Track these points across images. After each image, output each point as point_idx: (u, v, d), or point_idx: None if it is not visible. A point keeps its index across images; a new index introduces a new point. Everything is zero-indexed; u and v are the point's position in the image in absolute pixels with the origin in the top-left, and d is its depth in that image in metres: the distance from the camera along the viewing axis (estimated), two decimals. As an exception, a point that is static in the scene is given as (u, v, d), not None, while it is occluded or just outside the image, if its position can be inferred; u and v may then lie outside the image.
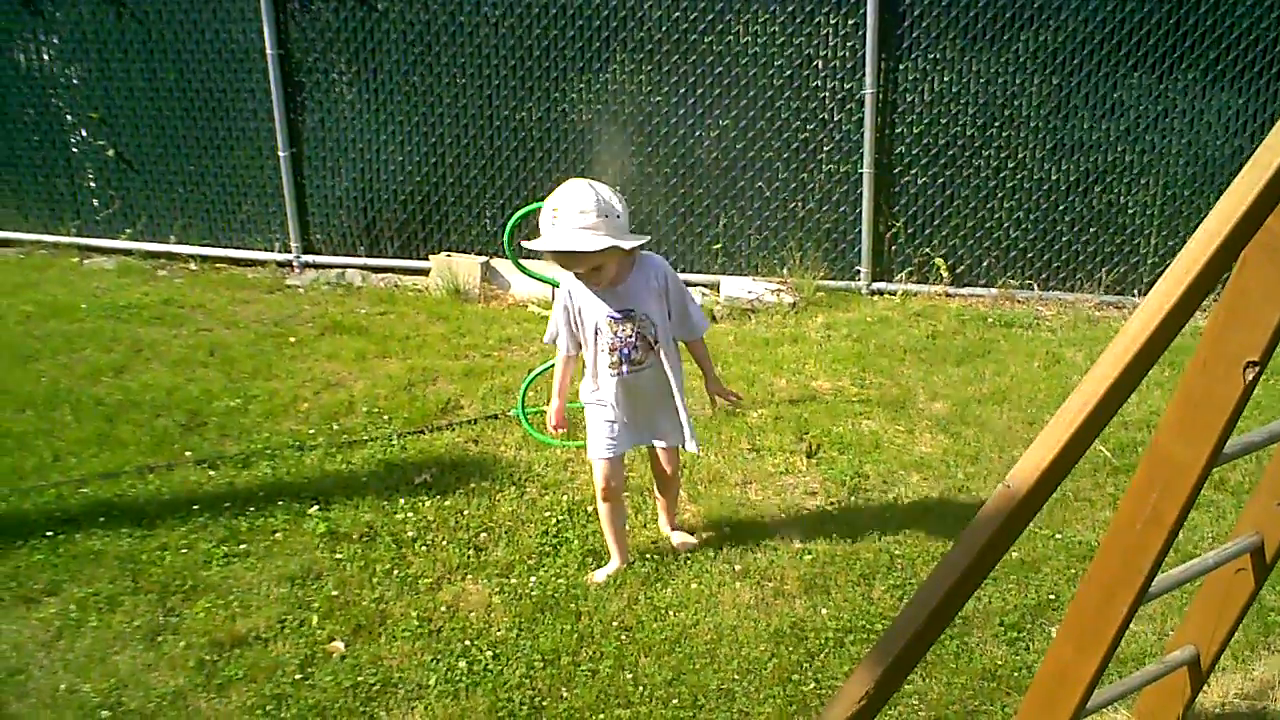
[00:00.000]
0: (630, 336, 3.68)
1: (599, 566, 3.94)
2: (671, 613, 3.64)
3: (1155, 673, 2.79)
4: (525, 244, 3.56)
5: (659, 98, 7.38)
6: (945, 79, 7.09)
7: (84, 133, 8.41)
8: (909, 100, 7.17)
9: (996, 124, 7.14)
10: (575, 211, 3.37)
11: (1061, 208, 7.21)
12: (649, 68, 7.33)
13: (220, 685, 3.32)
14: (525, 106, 7.58)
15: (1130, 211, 7.17)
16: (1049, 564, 4.00)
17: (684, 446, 3.89)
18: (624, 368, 3.71)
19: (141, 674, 3.36)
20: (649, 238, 3.51)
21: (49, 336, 6.37)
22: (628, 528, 4.08)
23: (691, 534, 4.17)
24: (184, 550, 4.04)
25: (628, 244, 3.47)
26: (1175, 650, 2.83)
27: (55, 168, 8.60)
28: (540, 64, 7.46)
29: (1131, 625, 2.55)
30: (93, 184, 8.56)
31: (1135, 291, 7.22)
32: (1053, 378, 5.77)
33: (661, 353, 3.72)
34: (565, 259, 3.52)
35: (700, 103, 7.34)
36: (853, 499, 4.51)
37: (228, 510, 4.32)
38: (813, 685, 3.34)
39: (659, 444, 3.94)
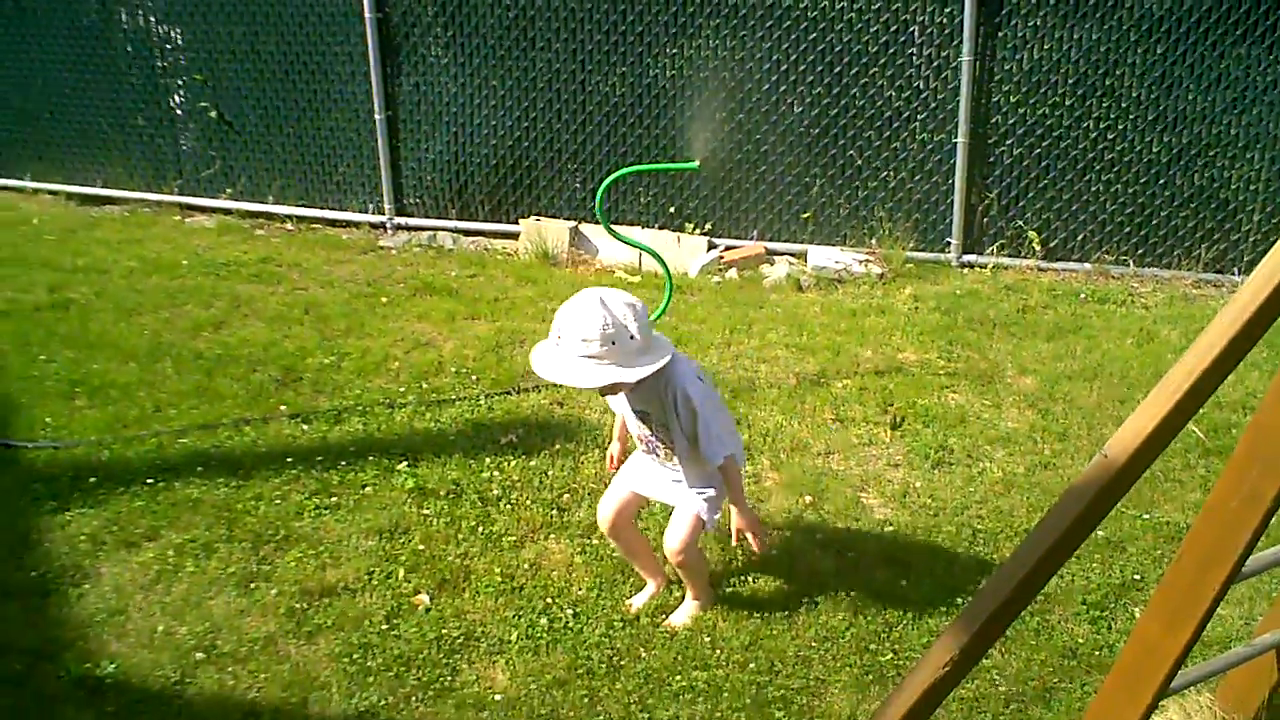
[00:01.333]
0: (650, 436, 3.43)
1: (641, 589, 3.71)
2: (750, 578, 3.66)
3: (1243, 655, 2.75)
4: (533, 359, 3.20)
5: (751, 64, 7.33)
6: (1045, 47, 6.93)
7: (181, 95, 8.60)
8: (1006, 69, 7.03)
9: (1096, 94, 6.96)
10: (578, 339, 3.03)
11: (1161, 181, 7.02)
12: (742, 33, 7.28)
13: (309, 633, 3.42)
14: (616, 73, 7.59)
15: (1233, 187, 6.96)
16: (1135, 544, 3.94)
17: (697, 513, 3.43)
18: (649, 454, 3.51)
19: (234, 619, 3.48)
20: (666, 359, 3.13)
21: (151, 291, 6.57)
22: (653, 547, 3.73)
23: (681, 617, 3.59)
24: (277, 501, 4.16)
25: (634, 376, 3.09)
26: (1264, 634, 2.79)
27: (159, 128, 8.82)
28: (633, 30, 7.45)
29: (1218, 609, 2.52)
30: (195, 144, 8.77)
31: (1235, 270, 7.02)
32: (1146, 356, 5.65)
33: (680, 463, 3.41)
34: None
35: (792, 69, 7.27)
36: (936, 472, 4.48)
37: (320, 464, 4.43)
38: (890, 655, 3.34)
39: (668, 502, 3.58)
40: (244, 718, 3.04)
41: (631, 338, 3.06)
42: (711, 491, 3.42)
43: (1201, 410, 4.80)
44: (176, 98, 8.68)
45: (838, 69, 7.21)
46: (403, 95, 8.06)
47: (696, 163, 6.59)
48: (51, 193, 9.21)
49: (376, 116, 8.07)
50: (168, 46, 8.58)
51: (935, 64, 7.08)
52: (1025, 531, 3.89)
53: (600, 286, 3.18)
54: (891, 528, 4.04)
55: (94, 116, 8.98)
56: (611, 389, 3.23)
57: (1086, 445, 4.64)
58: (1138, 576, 3.74)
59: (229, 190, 8.72)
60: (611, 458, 3.76)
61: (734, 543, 3.52)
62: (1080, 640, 3.42)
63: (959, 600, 3.56)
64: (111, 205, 9.00)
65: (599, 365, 3.05)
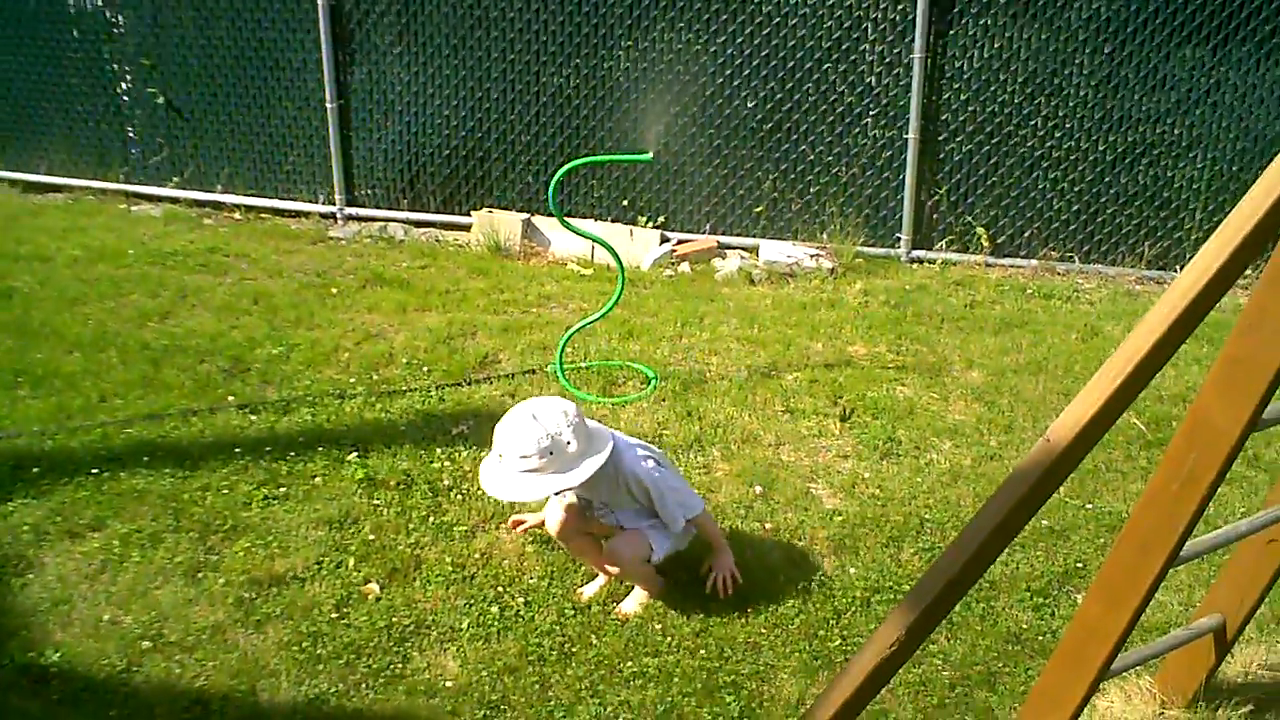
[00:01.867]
0: (592, 513, 3.57)
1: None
2: (700, 567, 3.67)
3: (1181, 638, 2.82)
4: (481, 478, 3.32)
5: (705, 58, 7.36)
6: (995, 46, 7.02)
7: (128, 81, 8.47)
8: (957, 66, 7.10)
9: (1045, 94, 7.06)
10: (516, 456, 3.16)
11: (1106, 180, 7.14)
12: (696, 27, 7.30)
13: (258, 621, 3.40)
14: (570, 65, 7.58)
15: (1176, 186, 7.08)
16: (1078, 533, 4.01)
17: (645, 537, 3.50)
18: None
19: (182, 608, 3.45)
20: (605, 454, 3.25)
21: (96, 281, 6.47)
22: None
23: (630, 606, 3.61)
24: (225, 491, 4.13)
25: (577, 479, 3.20)
26: (1202, 618, 2.86)
27: (104, 114, 8.68)
28: (587, 22, 7.45)
29: (1158, 595, 2.58)
30: (142, 131, 8.64)
31: (1177, 267, 7.14)
32: (1090, 350, 5.75)
33: (626, 528, 3.52)
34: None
35: (746, 64, 7.30)
36: (885, 463, 4.53)
37: (268, 454, 4.40)
38: (838, 641, 3.38)
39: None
40: (191, 705, 3.02)
41: (568, 443, 3.19)
42: (655, 524, 3.50)
43: (1143, 404, 4.90)
44: (124, 84, 8.55)
45: (790, 64, 7.25)
46: (354, 84, 8.00)
47: (650, 154, 6.63)
48: (-7, 180, 9.05)
49: (328, 105, 8.00)
50: (115, 30, 8.44)
51: (887, 60, 7.15)
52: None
53: (532, 399, 3.35)
54: (840, 517, 4.08)
55: (38, 102, 8.83)
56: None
57: (1031, 437, 4.71)
58: (1080, 564, 3.81)
59: (176, 179, 8.61)
60: (516, 523, 3.78)
61: (707, 585, 3.55)
62: (1024, 626, 3.48)
63: (906, 588, 3.59)
64: (55, 193, 8.85)
65: (541, 477, 3.18)
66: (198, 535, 3.83)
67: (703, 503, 3.60)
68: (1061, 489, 3.03)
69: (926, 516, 4.10)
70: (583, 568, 3.70)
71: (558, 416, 3.21)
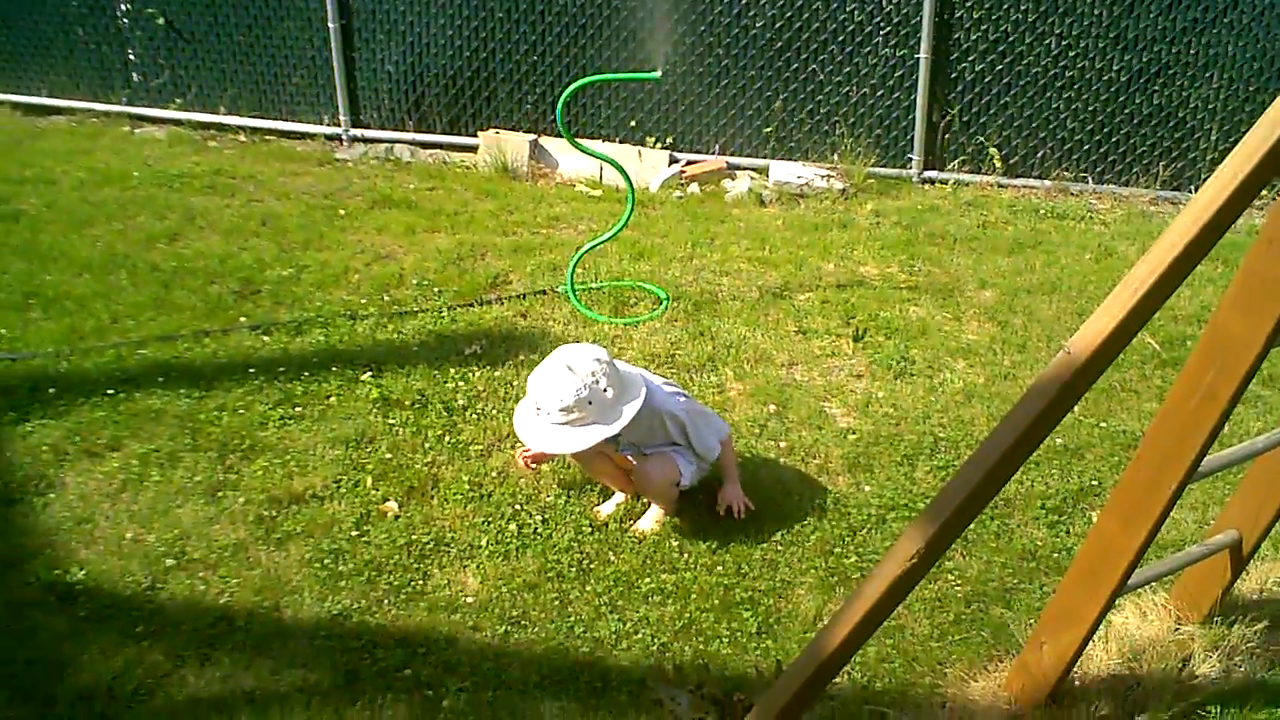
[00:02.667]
0: (619, 449, 3.58)
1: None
2: (716, 485, 3.69)
3: (1196, 554, 2.84)
4: (519, 430, 3.38)
5: (713, -25, 7.24)
6: (1009, -38, 6.90)
7: (126, 4, 8.33)
8: (970, -16, 6.99)
9: (1058, 12, 6.94)
10: (555, 409, 3.21)
11: (1121, 100, 7.05)
12: (704, -56, 7.17)
13: (279, 539, 3.43)
14: (577, -18, 7.46)
15: (1191, 106, 7.00)
16: (1092, 451, 4.03)
17: (673, 460, 3.54)
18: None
19: (203, 526, 3.49)
20: (640, 398, 3.29)
21: (103, 203, 6.43)
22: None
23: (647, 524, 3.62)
24: (241, 411, 4.14)
25: (617, 427, 3.26)
26: (1217, 534, 2.87)
27: (104, 36, 8.54)
28: (593, -62, 7.32)
29: (1173, 512, 2.59)
30: (143, 53, 8.52)
31: (1192, 187, 7.08)
32: (1104, 270, 5.72)
33: (651, 453, 3.56)
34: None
35: (755, -19, 7.19)
36: (898, 382, 4.54)
37: (283, 374, 4.40)
38: (854, 558, 3.41)
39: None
40: (217, 621, 3.06)
41: (605, 390, 3.25)
42: (682, 449, 3.54)
43: (1158, 323, 4.89)
44: (123, 5, 8.41)
45: (801, -19, 7.13)
46: (357, 4, 7.87)
47: (658, 72, 6.53)
48: (-6, 102, 8.95)
49: (330, 25, 7.88)
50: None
51: (899, -23, 7.03)
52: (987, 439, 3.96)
53: (565, 346, 3.35)
54: (855, 436, 4.10)
55: (38, 24, 8.67)
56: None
57: (1045, 356, 4.71)
58: (1095, 482, 3.83)
59: (179, 100, 8.50)
60: (534, 458, 3.66)
61: (720, 511, 3.58)
62: (1039, 543, 3.50)
63: (921, 506, 3.63)
64: (58, 115, 8.76)
65: (583, 427, 3.24)
66: (216, 455, 3.85)
67: (728, 426, 3.65)
68: (1076, 408, 3.03)
69: (940, 435, 4.11)
70: (598, 486, 3.73)
71: (592, 365, 3.25)
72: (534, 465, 3.67)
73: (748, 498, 3.59)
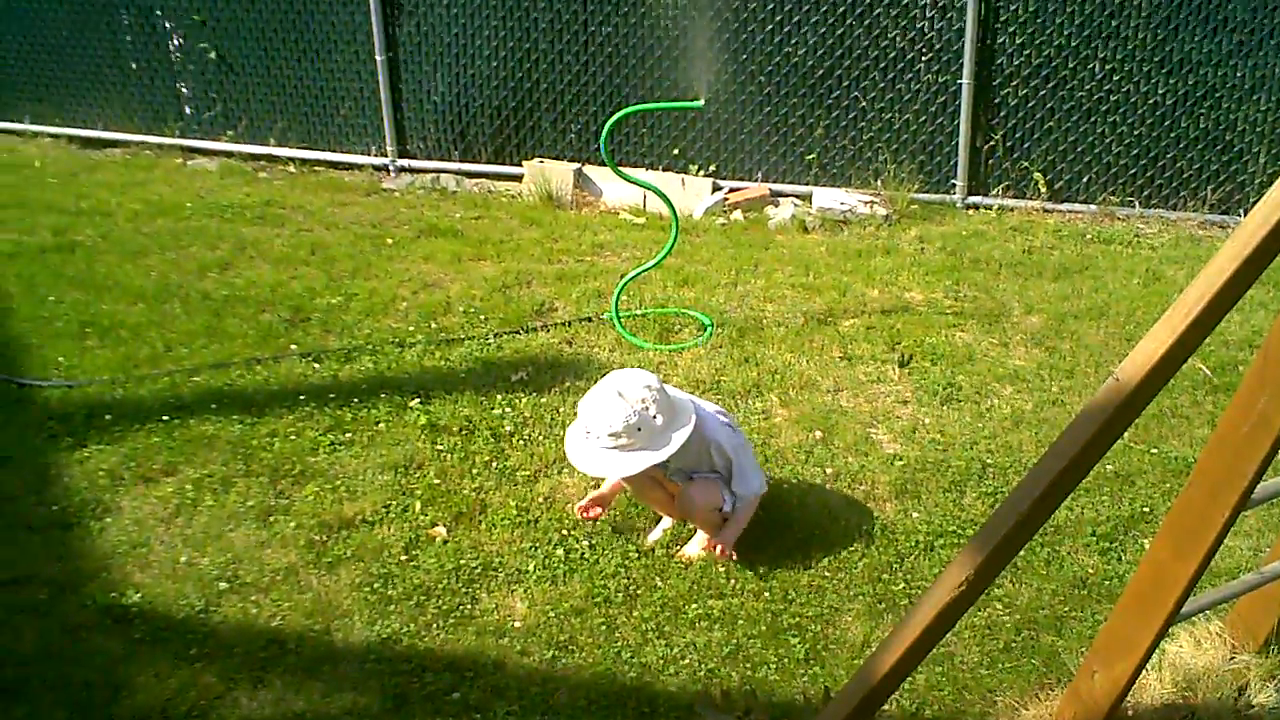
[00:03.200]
0: (666, 474, 3.59)
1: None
2: (763, 512, 3.69)
3: (1252, 582, 2.80)
4: (570, 453, 3.44)
5: (754, 4, 7.27)
6: (1052, -12, 6.89)
7: (179, 39, 8.52)
8: (1012, 10, 6.96)
9: (1101, 37, 6.91)
10: (605, 434, 3.26)
11: (1167, 124, 7.00)
12: (747, -27, 7.22)
13: (330, 564, 3.47)
14: (619, 13, 7.52)
15: (1239, 129, 6.93)
16: (1143, 478, 3.99)
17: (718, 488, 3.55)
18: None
19: (255, 550, 3.54)
20: (690, 426, 3.34)
21: (157, 234, 6.56)
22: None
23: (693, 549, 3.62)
24: (292, 437, 4.20)
25: (665, 454, 3.29)
26: (1273, 561, 2.83)
27: (158, 70, 8.74)
28: (637, -31, 7.40)
29: (1227, 540, 2.56)
30: (195, 86, 8.70)
31: (1241, 211, 7.00)
32: (1152, 295, 5.67)
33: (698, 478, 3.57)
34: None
35: (796, 9, 7.21)
36: (945, 409, 4.52)
37: (332, 401, 4.46)
38: (902, 585, 3.40)
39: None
40: (269, 644, 3.10)
41: (654, 417, 3.29)
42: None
43: (1208, 348, 4.84)
44: (175, 40, 8.60)
45: (841, 9, 7.15)
46: (403, 36, 7.99)
47: (700, 101, 6.58)
48: (52, 136, 9.13)
49: (378, 58, 8.01)
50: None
51: (940, 4, 7.02)
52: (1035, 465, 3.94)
53: (617, 372, 3.42)
54: (901, 462, 4.09)
55: (93, 58, 8.90)
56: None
57: (1094, 382, 4.67)
58: (1146, 509, 3.79)
59: (230, 133, 8.67)
60: (589, 506, 3.63)
61: (701, 548, 3.58)
62: (1090, 571, 3.47)
63: (969, 533, 3.61)
64: (113, 148, 8.95)
65: (631, 454, 3.27)
66: (267, 480, 3.91)
67: (766, 484, 3.61)
68: (1126, 434, 3.01)
69: (988, 461, 4.09)
70: (645, 512, 3.74)
71: (642, 392, 3.29)
72: (591, 516, 3.63)
73: (796, 526, 3.58)
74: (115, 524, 3.64)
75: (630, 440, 3.26)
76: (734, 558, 3.51)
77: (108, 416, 4.28)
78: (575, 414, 4.29)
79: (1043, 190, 7.23)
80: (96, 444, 4.10)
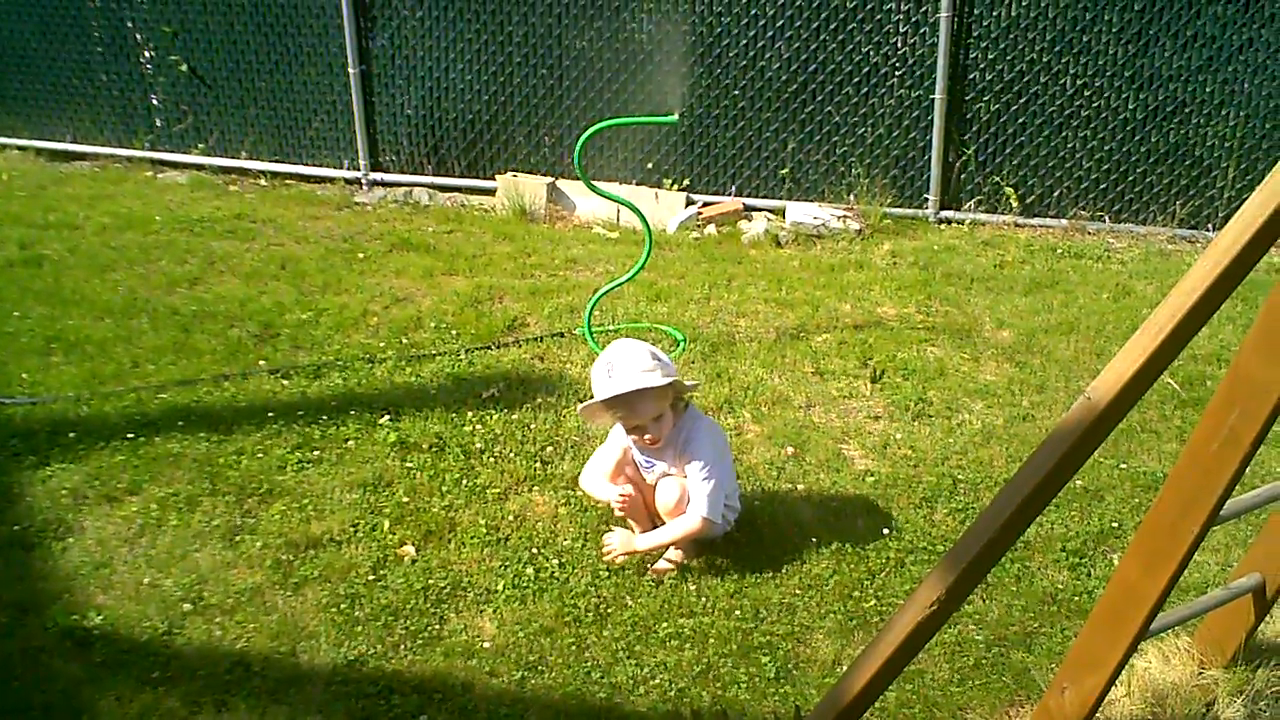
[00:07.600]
0: (652, 475, 3.66)
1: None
2: (734, 529, 3.67)
3: (1220, 598, 2.81)
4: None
5: (728, 19, 7.29)
6: (1022, 4, 6.92)
7: (150, 51, 8.46)
8: (984, 25, 7.02)
9: (1073, 52, 6.97)
10: (635, 367, 3.38)
11: (1137, 139, 7.05)
12: (719, -12, 7.24)
13: (296, 584, 3.43)
14: (593, 27, 7.52)
15: (1208, 144, 7.00)
16: (1113, 493, 4.00)
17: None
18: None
19: (221, 571, 3.49)
20: (698, 384, 3.65)
21: (125, 248, 6.50)
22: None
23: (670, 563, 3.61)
24: (259, 455, 4.15)
25: (689, 381, 3.62)
26: (1240, 577, 2.84)
27: (128, 82, 8.68)
28: (610, -17, 7.40)
29: (1196, 556, 2.56)
30: (165, 99, 8.64)
31: (1210, 226, 7.07)
32: (1122, 310, 5.70)
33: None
34: (628, 409, 3.45)
35: (770, 25, 7.24)
36: (916, 424, 4.52)
37: (301, 418, 4.42)
38: (873, 602, 3.39)
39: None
40: (233, 666, 3.06)
41: (670, 367, 3.48)
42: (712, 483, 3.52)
43: (1178, 363, 4.85)
44: (146, 52, 8.54)
45: (815, 24, 7.18)
46: (376, 50, 7.97)
47: (675, 116, 6.59)
48: (20, 148, 9.06)
49: (350, 71, 7.98)
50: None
51: (913, 19, 7.06)
52: (1005, 481, 3.92)
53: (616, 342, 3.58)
54: (873, 478, 4.08)
55: (63, 69, 8.83)
56: (659, 405, 3.45)
57: (1064, 397, 4.69)
58: (1116, 524, 3.80)
59: (201, 145, 8.62)
60: (622, 499, 3.61)
61: (608, 546, 3.61)
62: (1060, 586, 3.47)
63: (940, 549, 3.60)
64: (82, 161, 8.88)
65: (655, 374, 3.39)
66: (234, 499, 3.86)
67: (721, 514, 3.54)
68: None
69: (960, 477, 4.09)
70: (616, 528, 3.71)
71: (659, 350, 3.54)
72: (623, 495, 3.59)
73: (768, 544, 3.59)
74: (78, 544, 3.58)
75: (656, 366, 3.40)
76: (618, 561, 3.54)
77: (71, 434, 4.22)
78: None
79: (1014, 205, 7.28)
80: (59, 462, 4.04)
